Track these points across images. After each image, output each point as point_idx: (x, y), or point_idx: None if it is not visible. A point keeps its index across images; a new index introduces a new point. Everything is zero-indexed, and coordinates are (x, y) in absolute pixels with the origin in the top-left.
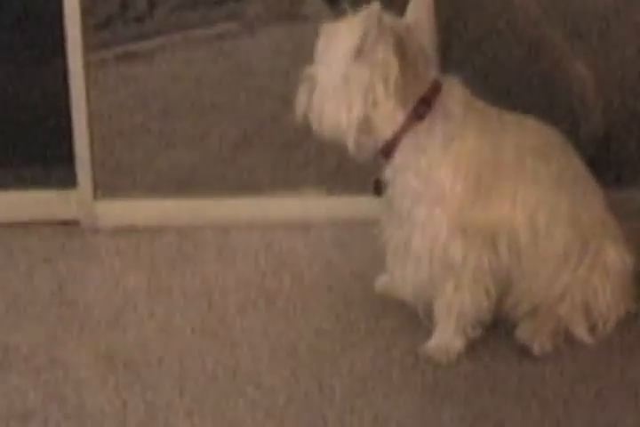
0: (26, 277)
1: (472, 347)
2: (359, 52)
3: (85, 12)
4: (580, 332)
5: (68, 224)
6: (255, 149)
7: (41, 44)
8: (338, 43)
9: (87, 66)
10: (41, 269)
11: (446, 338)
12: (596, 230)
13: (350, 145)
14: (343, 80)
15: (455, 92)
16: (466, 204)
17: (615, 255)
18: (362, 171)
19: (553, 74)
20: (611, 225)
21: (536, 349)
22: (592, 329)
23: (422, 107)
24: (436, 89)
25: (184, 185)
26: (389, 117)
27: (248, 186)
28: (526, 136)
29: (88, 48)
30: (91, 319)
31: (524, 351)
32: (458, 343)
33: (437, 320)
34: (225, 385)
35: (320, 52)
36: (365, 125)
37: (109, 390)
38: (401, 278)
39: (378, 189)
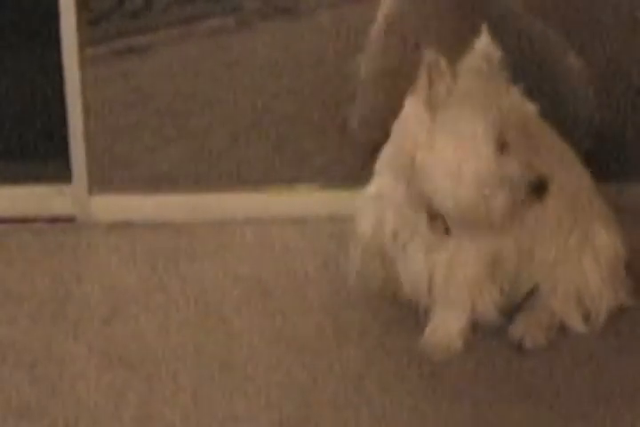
0: (21, 273)
1: (469, 343)
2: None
3: (81, 6)
4: (574, 323)
5: (64, 220)
6: (251, 145)
7: (36, 38)
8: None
9: (82, 61)
10: (36, 264)
11: (447, 328)
12: (585, 207)
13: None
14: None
15: None
16: None
17: (605, 238)
18: (356, 165)
19: (546, 67)
20: (602, 209)
21: (528, 344)
22: (586, 319)
23: None
24: None
25: (179, 180)
26: None
27: (243, 181)
28: None
29: (83, 43)
30: (86, 315)
31: (518, 347)
32: (458, 329)
33: (437, 310)
34: (221, 381)
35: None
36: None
37: (105, 386)
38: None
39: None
